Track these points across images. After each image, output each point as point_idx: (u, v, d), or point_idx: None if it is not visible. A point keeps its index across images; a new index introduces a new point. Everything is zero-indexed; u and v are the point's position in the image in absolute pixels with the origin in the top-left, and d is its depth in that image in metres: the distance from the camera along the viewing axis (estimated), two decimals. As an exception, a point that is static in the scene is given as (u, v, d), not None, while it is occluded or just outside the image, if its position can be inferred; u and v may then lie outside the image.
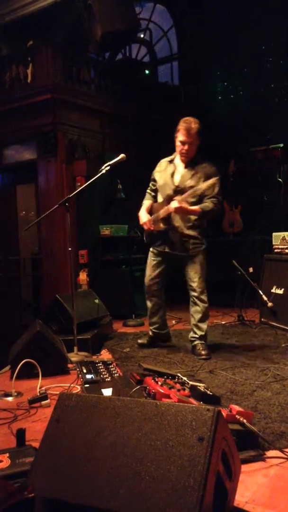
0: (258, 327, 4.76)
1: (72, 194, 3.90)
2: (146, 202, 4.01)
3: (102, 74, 7.39)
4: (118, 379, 2.68)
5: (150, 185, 4.05)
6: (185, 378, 2.57)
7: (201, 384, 2.46)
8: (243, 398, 2.71)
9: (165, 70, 8.44)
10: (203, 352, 3.69)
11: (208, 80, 7.17)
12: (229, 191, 6.39)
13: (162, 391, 2.21)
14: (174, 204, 3.60)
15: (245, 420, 2.03)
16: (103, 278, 6.14)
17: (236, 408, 2.12)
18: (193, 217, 3.72)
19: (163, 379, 2.41)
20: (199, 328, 3.80)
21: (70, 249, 3.93)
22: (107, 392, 2.65)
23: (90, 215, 6.58)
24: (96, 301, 4.66)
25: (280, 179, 6.14)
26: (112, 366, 3.15)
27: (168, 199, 3.71)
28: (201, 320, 3.81)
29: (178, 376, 2.61)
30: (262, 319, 4.92)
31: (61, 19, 7.54)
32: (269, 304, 4.64)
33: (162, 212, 3.76)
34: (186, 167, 3.78)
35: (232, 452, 1.54)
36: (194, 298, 3.81)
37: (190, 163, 3.77)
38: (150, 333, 4.14)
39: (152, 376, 2.45)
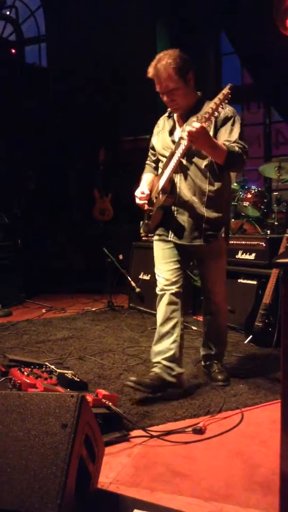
0: (126, 312, 4.90)
1: None
2: (147, 176, 2.86)
3: None
4: (-19, 372, 2.57)
5: (150, 154, 2.94)
6: (52, 367, 2.56)
7: (69, 372, 2.47)
8: (110, 382, 2.78)
9: (33, 51, 8.16)
10: (219, 377, 2.76)
11: (78, 63, 7.06)
12: (99, 180, 6.44)
13: (28, 381, 2.18)
14: (194, 125, 2.26)
15: (110, 403, 2.09)
16: None
17: (102, 392, 2.16)
18: (209, 187, 2.54)
19: (29, 369, 2.38)
20: (215, 344, 2.88)
21: None
22: None
23: None
24: None
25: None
26: (-24, 359, 3.01)
27: (171, 157, 2.56)
28: (219, 333, 2.89)
29: (46, 365, 2.59)
30: (131, 304, 5.08)
31: None
32: (137, 289, 4.78)
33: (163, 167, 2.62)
34: (187, 119, 2.58)
35: (95, 435, 1.57)
36: (212, 306, 2.83)
37: (191, 113, 2.58)
38: (156, 369, 2.59)
39: (19, 367, 2.39)
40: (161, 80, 2.49)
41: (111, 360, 3.23)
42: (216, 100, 2.26)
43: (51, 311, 5.12)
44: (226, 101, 2.28)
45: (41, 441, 1.40)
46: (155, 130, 2.82)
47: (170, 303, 2.60)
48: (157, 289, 2.70)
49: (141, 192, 2.71)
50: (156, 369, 2.57)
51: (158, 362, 2.58)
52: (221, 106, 2.27)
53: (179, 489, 1.71)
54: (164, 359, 2.56)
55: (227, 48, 7.58)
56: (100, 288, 5.78)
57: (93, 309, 5.13)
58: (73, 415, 1.43)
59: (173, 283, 2.62)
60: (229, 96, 2.25)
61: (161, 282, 2.66)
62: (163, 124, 2.76)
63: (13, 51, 7.29)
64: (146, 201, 2.70)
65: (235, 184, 5.69)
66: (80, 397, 1.47)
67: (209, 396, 2.54)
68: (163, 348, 2.59)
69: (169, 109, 2.69)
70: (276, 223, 4.76)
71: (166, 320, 2.60)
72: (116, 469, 1.84)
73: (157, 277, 2.72)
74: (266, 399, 2.50)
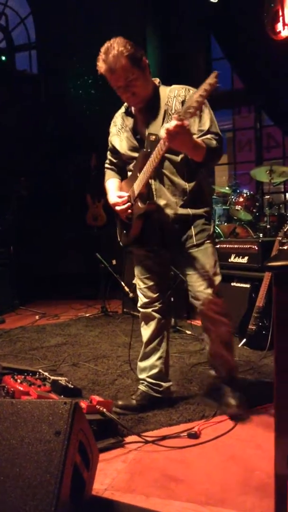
0: (120, 318, 4.90)
1: None
2: (113, 182, 2.58)
3: None
4: (-26, 381, 2.55)
5: (110, 157, 2.63)
6: (46, 374, 2.54)
7: (63, 378, 2.45)
8: (105, 388, 2.77)
9: (23, 58, 8.18)
10: (232, 402, 2.32)
11: (68, 70, 7.08)
12: (92, 185, 6.44)
13: (21, 388, 2.16)
14: (172, 124, 1.94)
15: (104, 410, 2.08)
16: None
17: (96, 398, 2.15)
18: (188, 184, 2.30)
19: (23, 377, 2.36)
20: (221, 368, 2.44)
21: None
22: None
23: None
24: None
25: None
26: None
27: (144, 158, 2.23)
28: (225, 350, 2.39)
29: (39, 372, 2.57)
30: (125, 310, 5.08)
31: None
32: (131, 294, 4.78)
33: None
34: (149, 112, 2.32)
35: (89, 442, 1.56)
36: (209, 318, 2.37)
37: (151, 104, 2.32)
38: (142, 387, 2.51)
39: (12, 374, 2.38)
40: (116, 73, 2.18)
41: (105, 366, 3.22)
42: (201, 91, 1.85)
43: (44, 318, 5.11)
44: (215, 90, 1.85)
45: (35, 448, 1.39)
46: (113, 129, 2.51)
47: (154, 321, 2.50)
48: (139, 305, 2.56)
49: (119, 196, 2.42)
50: (142, 387, 2.51)
51: (144, 380, 2.51)
52: (202, 96, 1.85)
53: (174, 494, 1.70)
54: (149, 376, 2.49)
55: (217, 54, 7.63)
56: (94, 293, 5.77)
57: (87, 315, 5.13)
58: (66, 422, 1.42)
59: (155, 300, 2.49)
60: (217, 84, 1.83)
61: (142, 299, 2.53)
62: (121, 122, 2.46)
63: (4, 58, 7.31)
64: (129, 204, 2.38)
65: (227, 188, 5.72)
66: (73, 404, 1.46)
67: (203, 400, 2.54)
68: (148, 364, 2.51)
69: (125, 104, 2.43)
70: (268, 227, 4.78)
71: (152, 337, 2.51)
72: (111, 476, 1.83)
73: (138, 291, 2.58)
74: (260, 402, 2.50)
